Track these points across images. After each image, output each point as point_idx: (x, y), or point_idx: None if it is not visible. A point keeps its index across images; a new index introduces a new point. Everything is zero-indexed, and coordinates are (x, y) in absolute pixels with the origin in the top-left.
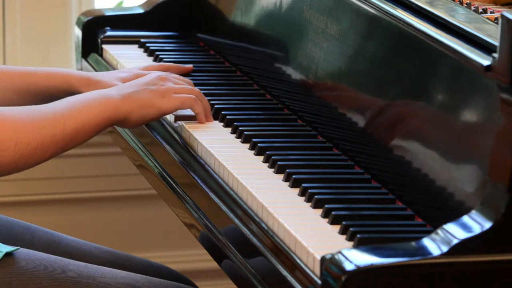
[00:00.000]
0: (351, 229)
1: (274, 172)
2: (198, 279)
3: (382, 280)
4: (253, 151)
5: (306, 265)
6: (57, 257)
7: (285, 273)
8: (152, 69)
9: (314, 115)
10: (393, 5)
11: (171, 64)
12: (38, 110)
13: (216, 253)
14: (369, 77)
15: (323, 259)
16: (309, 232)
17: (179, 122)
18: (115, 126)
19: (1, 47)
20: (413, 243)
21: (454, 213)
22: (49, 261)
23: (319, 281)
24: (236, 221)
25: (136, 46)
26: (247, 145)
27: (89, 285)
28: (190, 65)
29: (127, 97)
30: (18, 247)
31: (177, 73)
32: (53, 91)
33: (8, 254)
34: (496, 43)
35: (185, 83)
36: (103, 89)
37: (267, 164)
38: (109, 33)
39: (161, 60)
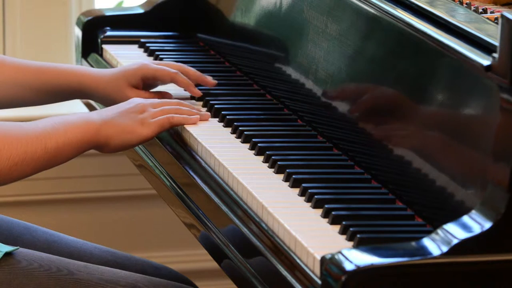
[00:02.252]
0: (351, 229)
1: (274, 172)
2: (198, 279)
3: (382, 280)
4: (253, 151)
5: (306, 265)
6: (56, 257)
7: (285, 273)
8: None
9: (314, 115)
10: (393, 5)
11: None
12: (21, 127)
13: (216, 253)
14: (369, 77)
15: (323, 259)
16: (309, 232)
17: None
18: None
19: (1, 47)
20: (413, 243)
21: (454, 213)
22: (48, 260)
23: (319, 281)
24: (236, 221)
25: (136, 46)
26: (247, 145)
27: (88, 284)
28: (215, 81)
29: (108, 123)
30: (18, 247)
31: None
32: (65, 89)
33: (8, 254)
34: (496, 43)
35: (164, 104)
36: (87, 112)
37: (267, 164)
38: (109, 33)
39: (161, 60)
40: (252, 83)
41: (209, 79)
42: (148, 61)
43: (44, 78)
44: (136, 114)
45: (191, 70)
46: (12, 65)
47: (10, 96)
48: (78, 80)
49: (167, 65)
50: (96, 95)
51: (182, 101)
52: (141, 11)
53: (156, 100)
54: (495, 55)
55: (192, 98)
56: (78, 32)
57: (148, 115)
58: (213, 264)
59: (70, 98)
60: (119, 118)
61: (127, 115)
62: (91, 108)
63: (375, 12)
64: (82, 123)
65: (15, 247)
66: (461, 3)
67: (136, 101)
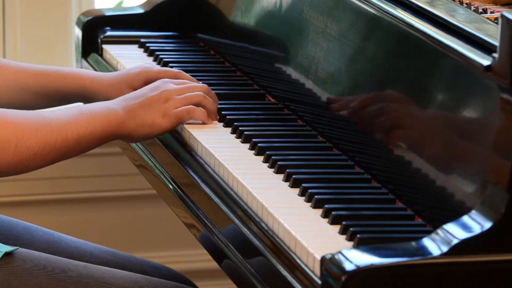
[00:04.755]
0: (351, 229)
1: (274, 172)
2: (198, 279)
3: (382, 280)
4: (253, 151)
5: (306, 265)
6: (56, 257)
7: (285, 273)
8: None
9: (314, 115)
10: (393, 5)
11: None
12: (42, 116)
13: (216, 253)
14: (369, 77)
15: (323, 259)
16: (309, 232)
17: None
18: None
19: (1, 47)
20: (413, 243)
21: (454, 213)
22: (48, 261)
23: (319, 281)
24: (236, 221)
25: (136, 46)
26: (247, 145)
27: (88, 284)
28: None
29: (131, 115)
30: (17, 247)
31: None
32: (66, 92)
33: (8, 254)
34: (496, 43)
35: (190, 89)
36: (109, 100)
37: (267, 164)
38: (109, 33)
39: (161, 60)
40: (252, 83)
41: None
42: (149, 63)
43: (45, 82)
44: (160, 103)
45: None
46: (12, 68)
47: (10, 100)
48: (80, 84)
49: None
50: (97, 99)
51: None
52: (141, 11)
53: (182, 86)
54: (495, 55)
55: None
56: (78, 32)
57: (171, 104)
58: (213, 264)
59: (72, 101)
60: (142, 109)
61: (151, 104)
62: None
63: (375, 12)
64: (105, 115)
65: (15, 247)
66: (461, 3)
67: (162, 87)
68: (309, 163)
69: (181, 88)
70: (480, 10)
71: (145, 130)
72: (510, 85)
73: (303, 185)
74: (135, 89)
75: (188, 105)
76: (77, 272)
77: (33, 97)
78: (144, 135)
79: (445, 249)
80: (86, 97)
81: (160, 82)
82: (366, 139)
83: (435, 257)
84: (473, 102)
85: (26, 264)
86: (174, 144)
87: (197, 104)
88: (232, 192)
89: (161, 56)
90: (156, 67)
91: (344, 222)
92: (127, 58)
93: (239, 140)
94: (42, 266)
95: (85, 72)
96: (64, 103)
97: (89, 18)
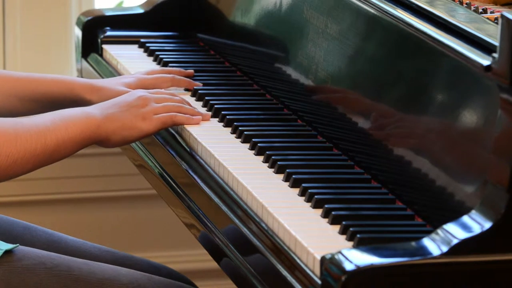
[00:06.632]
0: (351, 229)
1: (274, 172)
2: (198, 279)
3: (382, 280)
4: (253, 151)
5: (306, 265)
6: (57, 254)
7: (285, 273)
8: (154, 73)
9: (314, 115)
10: (393, 5)
11: (174, 68)
12: (21, 123)
13: (216, 253)
14: (369, 77)
15: (323, 259)
16: (309, 232)
17: None
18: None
19: (1, 47)
20: (413, 243)
21: (454, 213)
22: (48, 258)
23: (319, 281)
24: (236, 221)
25: (136, 46)
26: (247, 145)
27: (89, 282)
28: (191, 70)
29: (109, 118)
30: (18, 244)
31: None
32: (56, 97)
33: (8, 252)
34: (496, 43)
35: (167, 99)
36: (88, 106)
37: (267, 164)
38: (109, 33)
39: (161, 60)
40: (252, 83)
41: (190, 71)
42: (142, 73)
43: (32, 86)
44: (137, 108)
45: (174, 69)
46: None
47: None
48: (69, 87)
49: (157, 72)
50: (88, 101)
51: (184, 97)
52: (141, 11)
53: (159, 95)
54: (495, 55)
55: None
56: (78, 32)
57: (150, 110)
58: (213, 264)
59: (61, 106)
60: (120, 112)
61: (129, 109)
62: None
63: (375, 12)
64: (82, 118)
65: (15, 245)
66: (461, 3)
67: (138, 94)
68: (309, 163)
69: (159, 98)
70: (480, 10)
71: (124, 133)
72: (510, 85)
73: (303, 185)
74: (129, 86)
75: (168, 113)
76: (77, 269)
77: (20, 103)
78: (123, 137)
79: (445, 249)
80: (76, 101)
81: (137, 91)
82: (366, 139)
83: (435, 257)
84: (473, 102)
85: (26, 261)
86: (174, 144)
87: (177, 112)
88: (232, 192)
89: (161, 56)
90: (148, 76)
91: (344, 222)
92: (127, 58)
93: (239, 140)
94: (42, 264)
95: (75, 78)
96: (54, 109)
97: (89, 18)
